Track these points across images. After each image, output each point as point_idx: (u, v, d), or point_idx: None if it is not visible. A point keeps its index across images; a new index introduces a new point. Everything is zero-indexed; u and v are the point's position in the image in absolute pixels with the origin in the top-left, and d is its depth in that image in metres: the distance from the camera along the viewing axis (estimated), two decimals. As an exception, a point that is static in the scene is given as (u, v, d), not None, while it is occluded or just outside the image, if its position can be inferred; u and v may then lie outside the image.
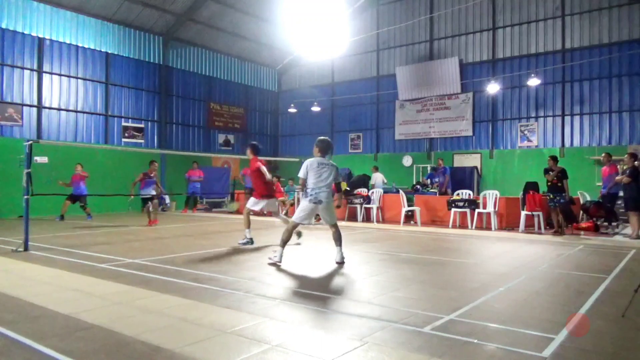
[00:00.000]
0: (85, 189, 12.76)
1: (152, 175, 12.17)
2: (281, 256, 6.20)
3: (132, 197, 12.47)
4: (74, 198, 12.54)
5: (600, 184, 11.79)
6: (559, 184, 10.09)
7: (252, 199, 8.24)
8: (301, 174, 6.32)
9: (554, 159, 10.44)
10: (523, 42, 16.85)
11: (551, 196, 10.25)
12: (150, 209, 11.66)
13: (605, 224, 11.02)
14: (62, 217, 12.55)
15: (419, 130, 18.85)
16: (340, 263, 6.20)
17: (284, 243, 6.29)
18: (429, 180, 14.70)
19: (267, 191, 8.19)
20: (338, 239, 6.31)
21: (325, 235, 9.96)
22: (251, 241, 8.08)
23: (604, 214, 10.91)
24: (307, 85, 22.54)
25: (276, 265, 6.11)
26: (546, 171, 10.40)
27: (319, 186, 6.18)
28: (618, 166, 11.29)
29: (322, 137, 6.61)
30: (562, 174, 10.10)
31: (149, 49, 17.91)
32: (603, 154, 10.89)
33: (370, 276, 5.62)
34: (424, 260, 6.72)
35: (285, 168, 20.92)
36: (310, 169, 6.25)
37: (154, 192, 12.07)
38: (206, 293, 4.60)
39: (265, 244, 8.17)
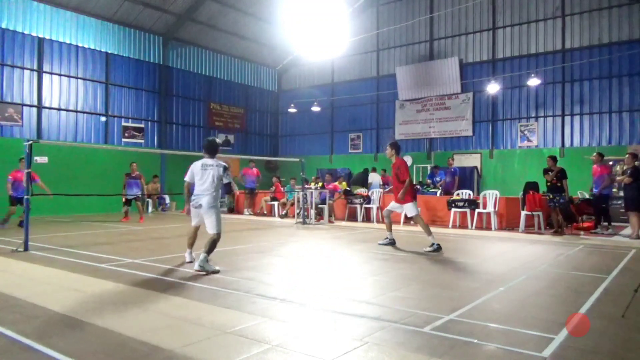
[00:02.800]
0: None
1: (133, 175, 12.71)
2: (189, 255, 6.23)
3: (125, 199, 12.96)
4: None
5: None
6: (558, 184, 10.09)
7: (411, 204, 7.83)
8: (186, 177, 6.10)
9: (553, 159, 10.44)
10: (523, 42, 16.85)
11: (551, 196, 10.25)
12: (135, 206, 12.16)
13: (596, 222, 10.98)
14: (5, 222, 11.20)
15: (419, 130, 18.85)
16: (199, 271, 5.53)
17: (189, 245, 6.29)
18: (429, 180, 14.71)
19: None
20: (208, 245, 5.70)
21: (325, 235, 9.97)
22: (393, 242, 8.02)
23: (592, 211, 10.90)
24: (307, 85, 22.54)
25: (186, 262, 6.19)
26: (545, 171, 10.40)
27: (201, 190, 5.90)
28: (618, 167, 11.28)
29: (208, 138, 6.45)
30: (562, 174, 10.10)
31: (148, 49, 17.91)
32: (594, 154, 10.76)
33: (370, 276, 5.62)
34: (424, 260, 6.72)
35: (285, 168, 20.92)
36: (195, 171, 5.99)
37: (139, 192, 12.72)
38: (206, 293, 4.60)
39: (266, 243, 8.16)
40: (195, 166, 6.00)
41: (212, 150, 6.09)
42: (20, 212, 10.34)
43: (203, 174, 5.92)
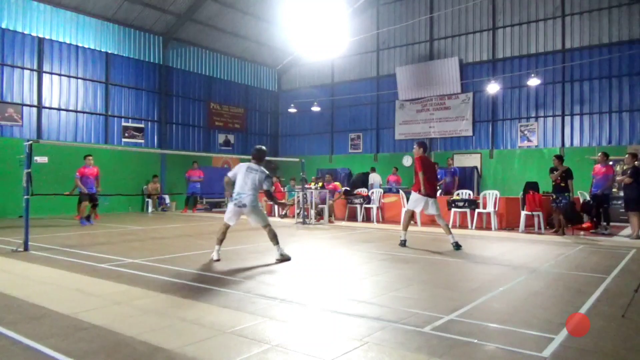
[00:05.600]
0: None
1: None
2: (217, 253, 6.43)
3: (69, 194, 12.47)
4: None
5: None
6: (562, 184, 10.00)
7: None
8: (229, 173, 6.61)
9: (559, 158, 10.36)
10: (523, 42, 16.85)
11: (554, 196, 10.20)
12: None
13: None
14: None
15: (419, 130, 18.85)
16: (280, 260, 6.39)
17: (219, 241, 6.50)
18: None
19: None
20: (274, 238, 6.51)
21: (325, 235, 9.97)
22: (403, 243, 8.03)
23: (592, 211, 10.86)
24: (307, 85, 22.54)
25: (213, 260, 6.35)
26: (552, 171, 10.33)
27: (244, 190, 6.39)
28: (618, 167, 11.25)
29: (257, 146, 6.88)
30: (567, 174, 10.00)
31: (149, 49, 17.90)
32: (599, 153, 10.66)
33: (370, 276, 5.62)
34: (424, 260, 6.72)
35: (285, 168, 20.93)
36: (239, 172, 6.49)
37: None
38: (206, 293, 4.61)
39: (266, 243, 8.16)
40: (241, 167, 6.54)
41: (259, 157, 6.66)
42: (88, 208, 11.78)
43: (247, 176, 6.43)
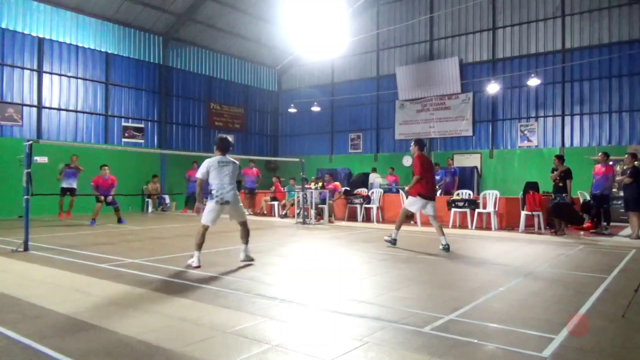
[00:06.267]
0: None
1: (72, 166, 12.58)
2: (198, 259, 5.96)
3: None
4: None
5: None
6: (561, 184, 10.03)
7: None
8: (199, 174, 6.13)
9: (560, 158, 10.36)
10: (523, 42, 16.84)
11: (553, 196, 10.23)
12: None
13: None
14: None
15: (419, 130, 18.84)
16: (245, 261, 6.16)
17: (199, 246, 6.03)
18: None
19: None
20: (246, 236, 6.28)
21: (325, 235, 9.97)
22: (394, 242, 7.90)
23: (592, 212, 10.86)
24: (307, 85, 22.54)
25: (192, 267, 5.87)
26: (553, 171, 10.35)
27: (223, 186, 6.03)
28: (617, 167, 11.24)
29: (221, 136, 6.56)
30: (566, 174, 10.01)
31: (148, 49, 17.90)
32: (600, 153, 10.65)
33: (370, 276, 5.61)
34: (424, 260, 6.72)
35: (285, 168, 20.92)
36: (211, 169, 6.06)
37: (75, 185, 12.47)
38: (206, 293, 4.60)
39: (266, 243, 8.16)
40: (210, 163, 6.07)
41: (225, 147, 6.27)
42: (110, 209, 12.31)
43: (221, 171, 6.04)
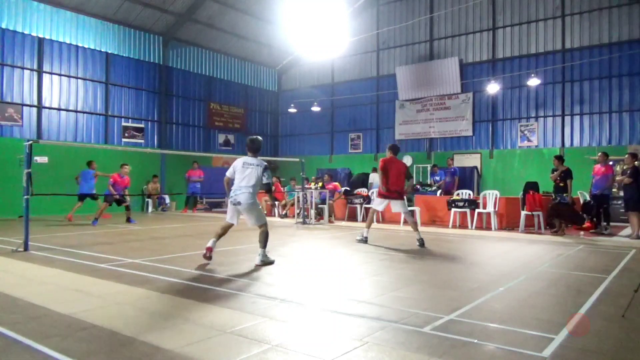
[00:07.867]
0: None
1: (98, 173, 12.63)
2: (212, 243, 6.18)
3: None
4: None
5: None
6: (561, 184, 10.03)
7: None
8: (227, 173, 6.32)
9: (559, 158, 10.38)
10: (523, 42, 16.84)
11: (553, 196, 10.24)
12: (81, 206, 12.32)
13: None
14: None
15: (419, 130, 18.85)
16: (260, 265, 6.04)
17: (216, 235, 6.25)
18: (432, 180, 14.74)
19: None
20: (264, 240, 6.16)
21: (325, 235, 9.98)
22: (365, 240, 8.31)
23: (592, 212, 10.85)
24: (307, 85, 22.54)
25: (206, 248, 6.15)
26: (553, 171, 10.36)
27: (239, 187, 6.09)
28: (618, 167, 11.23)
29: (251, 137, 6.51)
30: (566, 174, 10.03)
31: (149, 49, 17.90)
32: (599, 153, 10.65)
33: (370, 276, 5.61)
34: (424, 260, 6.72)
35: (285, 168, 20.92)
36: (236, 169, 6.16)
37: (92, 190, 12.36)
38: (206, 293, 4.60)
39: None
40: (237, 163, 6.20)
41: (255, 149, 6.31)
42: (121, 209, 12.63)
43: (243, 172, 6.11)
